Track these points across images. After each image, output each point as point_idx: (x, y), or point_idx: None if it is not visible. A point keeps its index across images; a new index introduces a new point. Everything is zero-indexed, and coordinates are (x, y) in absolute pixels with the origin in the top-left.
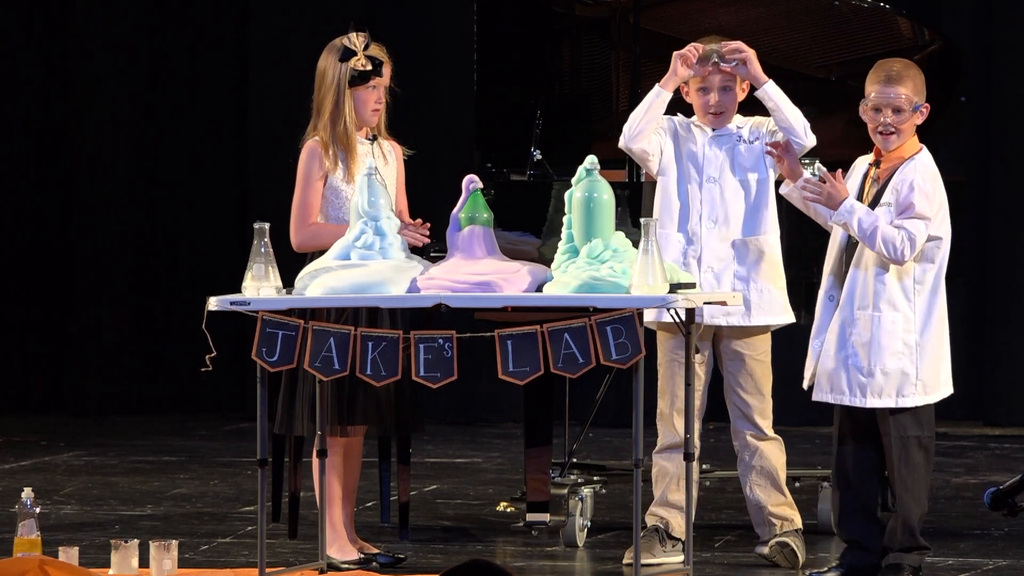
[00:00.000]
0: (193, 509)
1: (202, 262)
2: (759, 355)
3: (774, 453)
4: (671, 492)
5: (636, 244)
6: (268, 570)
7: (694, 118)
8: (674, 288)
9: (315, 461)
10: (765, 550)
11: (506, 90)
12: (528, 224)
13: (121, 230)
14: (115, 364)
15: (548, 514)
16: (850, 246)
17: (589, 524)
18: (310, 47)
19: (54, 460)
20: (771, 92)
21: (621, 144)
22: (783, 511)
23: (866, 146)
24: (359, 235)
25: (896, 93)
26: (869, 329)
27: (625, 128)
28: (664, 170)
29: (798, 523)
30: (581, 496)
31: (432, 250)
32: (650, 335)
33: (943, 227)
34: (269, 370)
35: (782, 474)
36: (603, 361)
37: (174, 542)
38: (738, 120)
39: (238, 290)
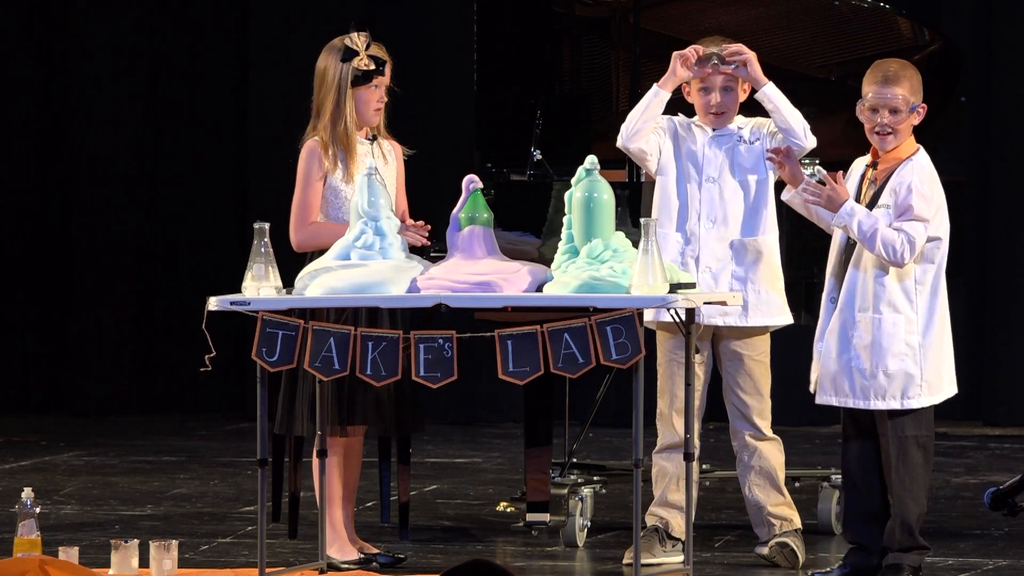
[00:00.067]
0: (193, 509)
1: (202, 262)
2: (758, 355)
3: (773, 453)
4: (671, 492)
5: (636, 244)
6: (268, 570)
7: (695, 118)
8: (674, 288)
9: (315, 461)
10: (765, 550)
11: (506, 90)
12: (528, 224)
13: (121, 230)
14: (115, 364)
15: (548, 514)
16: (848, 247)
17: (589, 524)
18: (310, 47)
19: (54, 460)
20: (771, 94)
21: (619, 143)
22: (782, 511)
23: (866, 146)
24: (359, 235)
25: (893, 94)
26: (870, 331)
27: (623, 127)
28: (663, 169)
29: (797, 523)
30: (581, 496)
31: (432, 250)
32: (649, 335)
33: (941, 227)
34: (269, 370)
35: (781, 474)
36: (603, 361)
37: (174, 542)
38: (739, 120)
39: (238, 290)
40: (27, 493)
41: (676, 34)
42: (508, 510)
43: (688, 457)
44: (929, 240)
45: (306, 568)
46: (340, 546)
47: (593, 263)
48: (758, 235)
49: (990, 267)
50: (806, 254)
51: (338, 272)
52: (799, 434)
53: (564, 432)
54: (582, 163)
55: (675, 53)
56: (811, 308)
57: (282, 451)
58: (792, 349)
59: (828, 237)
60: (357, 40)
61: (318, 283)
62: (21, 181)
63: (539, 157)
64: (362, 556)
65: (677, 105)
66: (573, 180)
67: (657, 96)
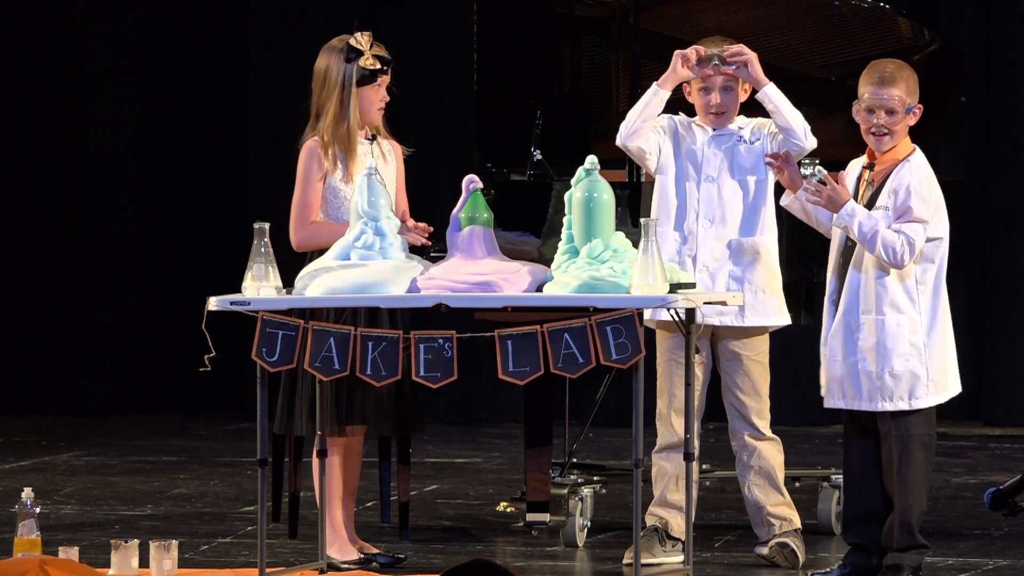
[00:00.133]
0: (193, 509)
1: (202, 262)
2: (757, 356)
3: (772, 453)
4: (670, 492)
5: (636, 244)
6: (268, 570)
7: (696, 118)
8: (674, 288)
9: (315, 461)
10: (765, 550)
11: (506, 90)
12: (528, 224)
13: (121, 230)
14: (115, 364)
15: (548, 514)
16: (847, 249)
17: (589, 524)
18: (310, 47)
19: (54, 460)
20: (771, 94)
21: (618, 141)
22: (782, 511)
23: (865, 146)
24: (359, 235)
25: (889, 95)
26: (874, 333)
27: (622, 126)
28: (662, 168)
29: (797, 523)
30: (581, 496)
31: (432, 250)
32: (649, 333)
33: (941, 226)
34: (269, 370)
35: (780, 474)
36: (603, 361)
37: (174, 542)
38: (740, 121)
39: (238, 290)
40: (27, 493)
41: (676, 34)
42: (508, 510)
43: (688, 457)
44: (929, 240)
45: (306, 568)
46: (340, 546)
47: (593, 263)
48: (756, 235)
49: (990, 267)
50: (806, 254)
51: (338, 272)
52: (799, 434)
53: (564, 432)
54: (582, 163)
55: (676, 52)
56: (811, 308)
57: (282, 451)
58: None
59: (828, 238)
60: (361, 39)
61: (318, 283)
62: (21, 181)
63: (539, 157)
64: (362, 556)
65: (678, 105)
66: (573, 180)
67: (656, 95)
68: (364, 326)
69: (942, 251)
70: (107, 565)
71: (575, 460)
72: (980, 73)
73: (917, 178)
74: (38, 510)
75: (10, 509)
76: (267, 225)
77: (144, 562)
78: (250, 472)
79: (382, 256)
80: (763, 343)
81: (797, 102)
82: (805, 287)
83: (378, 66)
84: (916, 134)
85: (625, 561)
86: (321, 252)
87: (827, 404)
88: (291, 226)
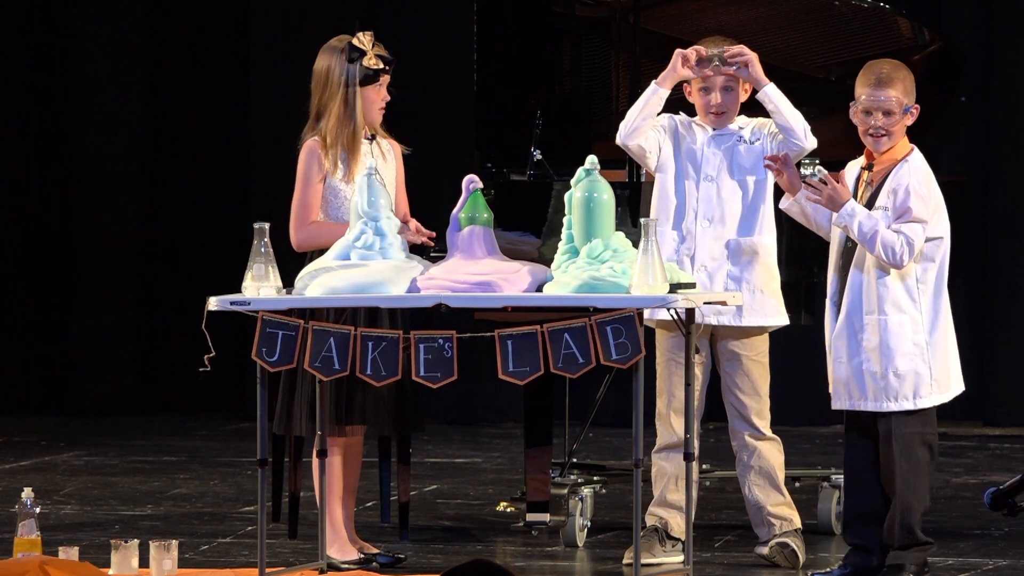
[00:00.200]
0: (193, 509)
1: (202, 262)
2: (756, 356)
3: (772, 453)
4: (670, 492)
5: (636, 244)
6: (268, 570)
7: (696, 117)
8: (674, 288)
9: (315, 461)
10: (765, 550)
11: (506, 90)
12: (528, 224)
13: (121, 230)
14: (115, 364)
15: (548, 514)
16: (847, 249)
17: (589, 524)
18: (310, 47)
19: (54, 460)
20: (771, 94)
21: (618, 140)
22: (782, 511)
23: (864, 146)
24: (359, 235)
25: (886, 96)
26: (877, 333)
27: (622, 125)
28: (662, 167)
29: (797, 523)
30: (581, 496)
31: (432, 250)
32: (649, 332)
33: (940, 226)
34: (269, 370)
35: (780, 474)
36: (603, 361)
37: (174, 542)
38: (740, 120)
39: (238, 290)
40: (27, 493)
41: (676, 34)
42: (508, 510)
43: (688, 457)
44: (930, 239)
45: (306, 568)
46: (340, 546)
47: (593, 263)
48: (755, 235)
49: (990, 267)
50: (805, 254)
51: (338, 272)
52: (799, 434)
53: (564, 432)
54: (582, 163)
55: (677, 51)
56: (811, 308)
57: (282, 451)
58: (792, 349)
59: (827, 240)
60: (363, 39)
61: (318, 283)
62: (21, 181)
63: (539, 157)
64: (362, 556)
65: (678, 104)
66: (573, 180)
67: (655, 94)
68: (364, 326)
69: (943, 250)
70: (107, 565)
71: (575, 460)
72: (980, 73)
73: (916, 178)
74: (38, 510)
75: (10, 509)
76: (267, 225)
77: (144, 562)
78: (250, 472)
79: (382, 256)
80: (763, 343)
81: (797, 102)
82: (805, 287)
83: (381, 66)
84: (916, 134)
85: (625, 561)
86: (321, 252)
87: (834, 405)
88: (291, 226)
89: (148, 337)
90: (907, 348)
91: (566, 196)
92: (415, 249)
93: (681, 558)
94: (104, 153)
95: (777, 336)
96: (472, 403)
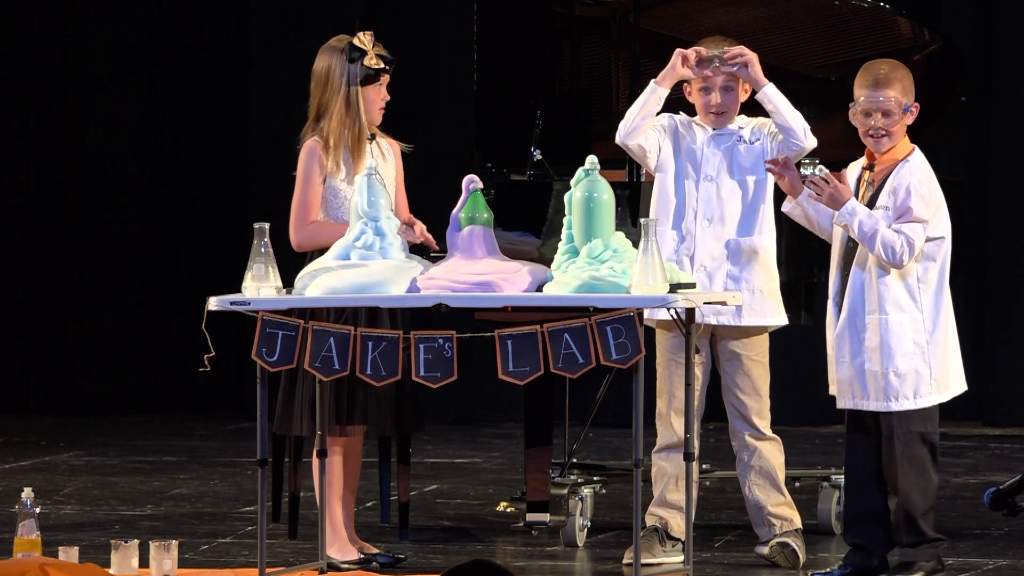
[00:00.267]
0: (193, 509)
1: (202, 262)
2: (756, 356)
3: (772, 453)
4: (670, 492)
5: (636, 244)
6: (268, 570)
7: (696, 117)
8: (674, 288)
9: (315, 461)
10: (765, 550)
11: (506, 90)
12: (528, 224)
13: (121, 230)
14: (115, 364)
15: (548, 514)
16: (849, 248)
17: (589, 524)
18: (310, 47)
19: (54, 460)
20: (771, 95)
21: (617, 140)
22: (782, 511)
23: (865, 146)
24: (359, 235)
25: (885, 96)
26: (878, 332)
27: (621, 124)
28: (662, 167)
29: (797, 523)
30: (581, 496)
31: (432, 250)
32: (649, 332)
33: (941, 225)
34: (269, 370)
35: (781, 474)
36: (603, 361)
37: (174, 542)
38: (740, 120)
39: (238, 290)
40: (27, 493)
41: (676, 34)
42: (508, 510)
43: (688, 457)
44: (931, 239)
45: (306, 568)
46: (340, 546)
47: (593, 263)
48: (754, 235)
49: (990, 267)
50: (805, 254)
51: (338, 272)
52: (799, 434)
53: (564, 432)
54: (582, 163)
55: (677, 50)
56: (811, 308)
57: (282, 451)
58: (792, 349)
59: (829, 242)
60: (364, 39)
61: (318, 283)
62: (21, 181)
63: (539, 157)
64: (362, 556)
65: (678, 104)
66: (573, 180)
67: (654, 93)
68: (364, 326)
69: (944, 250)
70: (107, 565)
71: (575, 460)
72: (980, 73)
73: (917, 178)
74: (38, 510)
75: (10, 509)
76: (267, 225)
77: (144, 562)
78: (250, 472)
79: (382, 256)
80: (763, 343)
81: (797, 102)
82: (805, 287)
83: (381, 65)
84: (916, 134)
85: (625, 561)
86: (321, 252)
87: (839, 405)
88: (291, 226)
89: (148, 337)
90: (908, 347)
91: (566, 196)
92: (415, 249)
93: (681, 558)
94: (104, 153)
95: (777, 336)
96: (472, 403)
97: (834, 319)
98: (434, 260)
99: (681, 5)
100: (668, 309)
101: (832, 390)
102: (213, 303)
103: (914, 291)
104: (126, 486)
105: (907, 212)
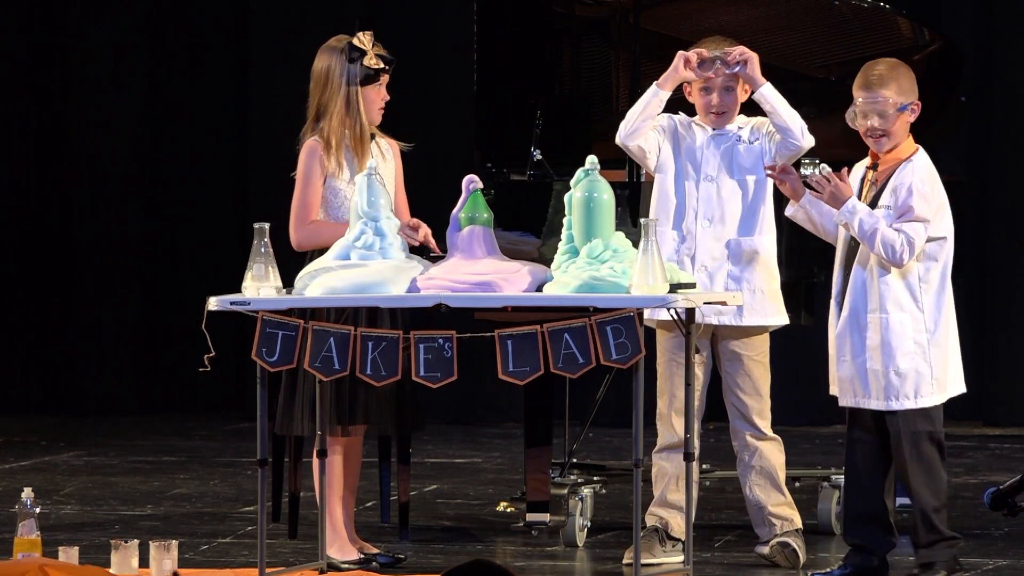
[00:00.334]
0: (193, 509)
1: (202, 262)
2: (757, 356)
3: (773, 453)
4: (670, 492)
5: (636, 244)
6: (268, 570)
7: (696, 117)
8: (674, 288)
9: (315, 461)
10: (765, 550)
11: (506, 90)
12: (528, 224)
13: (121, 230)
14: (115, 364)
15: (548, 514)
16: (851, 248)
17: (589, 524)
18: (310, 47)
19: (54, 460)
20: (768, 94)
21: (617, 141)
22: (783, 511)
23: (864, 146)
24: (359, 235)
25: (879, 97)
26: (879, 331)
27: (622, 125)
28: (662, 167)
29: (798, 523)
30: (581, 496)
31: (432, 251)
32: (649, 333)
33: (943, 226)
34: (269, 370)
35: (781, 474)
36: (603, 361)
37: (174, 542)
38: (740, 120)
39: (238, 290)
40: (27, 493)
41: (676, 34)
42: (508, 510)
43: (688, 457)
44: (933, 240)
45: (306, 568)
46: (340, 546)
47: (593, 263)
48: (755, 235)
49: (990, 267)
50: (806, 254)
51: (338, 272)
52: (799, 434)
53: (564, 432)
54: (582, 163)
55: (679, 53)
56: (811, 308)
57: (282, 451)
58: (792, 349)
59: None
60: (363, 39)
61: (318, 283)
62: (21, 181)
63: (539, 157)
64: (362, 556)
65: (678, 104)
66: (573, 180)
67: (656, 95)
68: (364, 326)
69: (946, 251)
70: (107, 565)
71: (575, 460)
72: (980, 73)
73: (919, 177)
74: (38, 510)
75: (10, 509)
76: (267, 225)
77: (144, 562)
78: (250, 472)
79: (382, 256)
80: (763, 343)
81: (797, 102)
82: (805, 287)
83: (381, 65)
84: (916, 134)
85: (625, 561)
86: (321, 252)
87: (841, 403)
88: (291, 225)
89: (148, 337)
90: (908, 347)
91: (566, 196)
92: (415, 249)
93: (681, 558)
94: (104, 153)
95: (777, 336)
96: (472, 403)
97: (835, 318)
98: (434, 260)
99: (681, 5)
100: (668, 309)
101: (833, 390)
102: (213, 303)
103: (915, 290)
104: (126, 486)
105: (908, 211)
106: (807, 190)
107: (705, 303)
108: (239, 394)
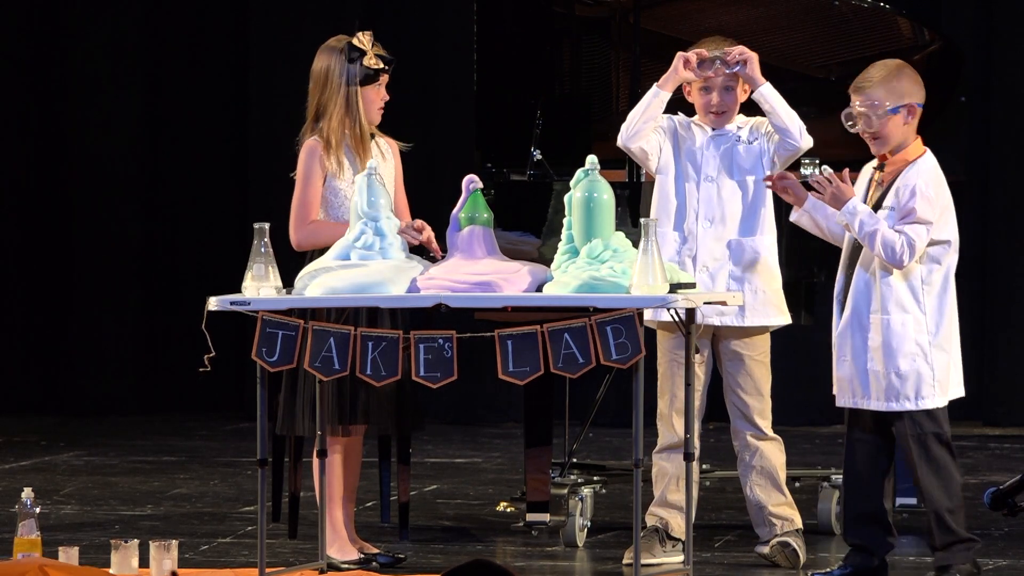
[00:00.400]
0: (193, 509)
1: (202, 262)
2: (758, 355)
3: (774, 453)
4: (670, 492)
5: (636, 244)
6: (268, 570)
7: (695, 117)
8: (674, 288)
9: (315, 461)
10: (766, 550)
11: (506, 90)
12: (528, 224)
13: (121, 230)
14: (115, 364)
15: (548, 514)
16: (854, 250)
17: (589, 524)
18: (310, 47)
19: (54, 460)
20: (767, 94)
21: (619, 143)
22: (783, 511)
23: (864, 146)
24: (359, 235)
25: (866, 100)
26: (880, 332)
27: (623, 127)
28: (663, 168)
29: (798, 523)
30: (581, 496)
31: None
32: (650, 334)
33: (947, 229)
34: (269, 370)
35: (782, 474)
36: (603, 361)
37: (174, 542)
38: (739, 120)
39: (238, 290)
40: (27, 493)
41: (676, 34)
42: (508, 510)
43: (688, 457)
44: (937, 243)
45: (306, 568)
46: (340, 546)
47: (593, 263)
48: (755, 235)
49: (990, 267)
50: (806, 254)
51: (338, 272)
52: (799, 434)
53: (564, 432)
54: (582, 163)
55: (678, 53)
56: (811, 308)
57: (282, 451)
58: (792, 349)
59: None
60: (363, 39)
61: (318, 283)
62: (21, 181)
63: (539, 157)
64: (362, 556)
65: (677, 105)
66: (572, 181)
67: (657, 96)
68: (364, 326)
69: (951, 254)
70: (107, 565)
71: (575, 460)
72: (980, 73)
73: (923, 180)
74: (38, 510)
75: (10, 509)
76: (267, 225)
77: (144, 562)
78: (250, 472)
79: (382, 256)
80: (764, 343)
81: (797, 102)
82: (805, 287)
83: (380, 65)
84: (916, 134)
85: (625, 561)
86: (321, 252)
87: (839, 403)
88: (291, 225)
89: (148, 337)
90: (910, 348)
91: (566, 196)
92: (415, 249)
93: (681, 558)
94: (104, 153)
95: (777, 336)
96: (472, 403)
97: (837, 318)
98: (434, 260)
99: (681, 5)
100: (668, 309)
101: (835, 390)
102: (213, 303)
103: (918, 292)
104: (126, 486)
105: (910, 213)
106: (809, 194)
107: (705, 303)
108: (239, 394)
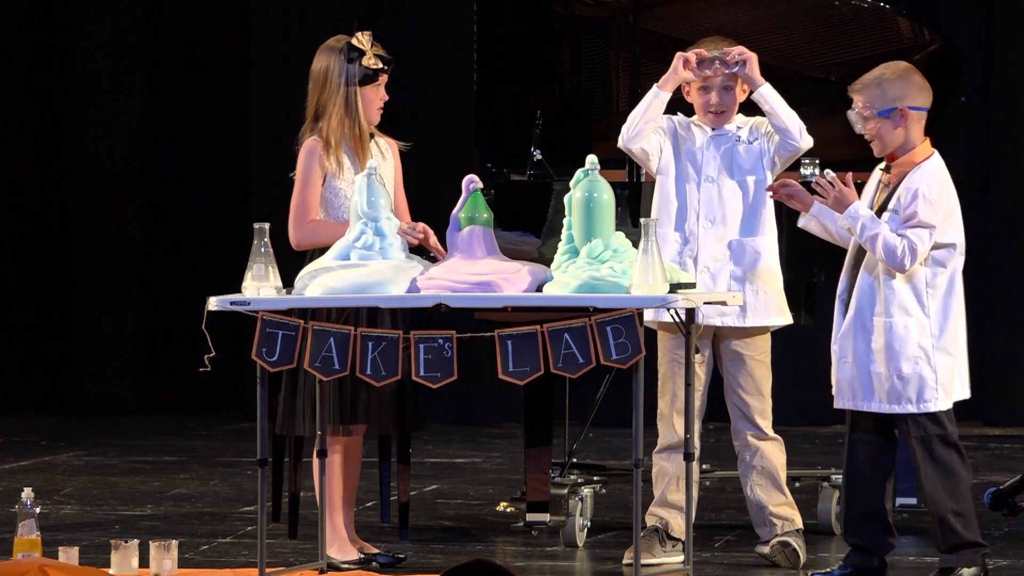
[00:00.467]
0: (193, 509)
1: (202, 262)
2: (759, 356)
3: (775, 453)
4: (671, 492)
5: (636, 244)
6: (268, 570)
7: (695, 117)
8: (674, 288)
9: (315, 461)
10: (766, 550)
11: (506, 90)
12: (528, 224)
13: (121, 230)
14: (115, 364)
15: (548, 514)
16: (858, 252)
17: (589, 524)
18: (310, 47)
19: (54, 460)
20: (766, 95)
21: (620, 144)
22: (784, 511)
23: (865, 146)
24: (359, 235)
25: (856, 102)
26: (883, 335)
27: (624, 128)
28: (663, 169)
29: (799, 523)
30: (581, 496)
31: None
32: (650, 334)
33: (952, 232)
34: (269, 370)
35: (782, 474)
36: (603, 361)
37: (174, 542)
38: (739, 120)
39: (238, 290)
40: (27, 493)
41: (676, 34)
42: (508, 510)
43: (688, 457)
44: (942, 246)
45: (306, 568)
46: (340, 546)
47: (593, 263)
48: (756, 235)
49: (990, 267)
50: (806, 254)
51: (338, 272)
52: (799, 434)
53: (564, 432)
54: (582, 163)
55: (678, 54)
56: (811, 308)
57: (282, 451)
58: (792, 349)
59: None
60: (363, 39)
61: (318, 283)
62: (21, 181)
63: (539, 157)
64: (362, 556)
65: (677, 105)
66: (572, 181)
67: (657, 97)
68: (364, 326)
69: (956, 257)
70: (107, 565)
71: (575, 460)
72: (980, 73)
73: (927, 183)
74: (38, 510)
75: (10, 509)
76: (267, 225)
77: (144, 562)
78: (250, 472)
79: (382, 256)
80: (765, 343)
81: (797, 102)
82: (805, 287)
83: (380, 65)
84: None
85: (625, 561)
86: (321, 251)
87: (837, 404)
88: (290, 224)
89: (148, 337)
90: (912, 351)
91: (566, 197)
92: (415, 249)
93: (681, 558)
94: (104, 153)
95: (778, 336)
96: (472, 403)
97: (839, 318)
98: (434, 260)
99: (681, 5)
100: (668, 309)
101: (834, 391)
102: (213, 303)
103: (922, 296)
104: (126, 486)
105: (913, 216)
106: (815, 199)
107: (705, 303)
108: (239, 394)
